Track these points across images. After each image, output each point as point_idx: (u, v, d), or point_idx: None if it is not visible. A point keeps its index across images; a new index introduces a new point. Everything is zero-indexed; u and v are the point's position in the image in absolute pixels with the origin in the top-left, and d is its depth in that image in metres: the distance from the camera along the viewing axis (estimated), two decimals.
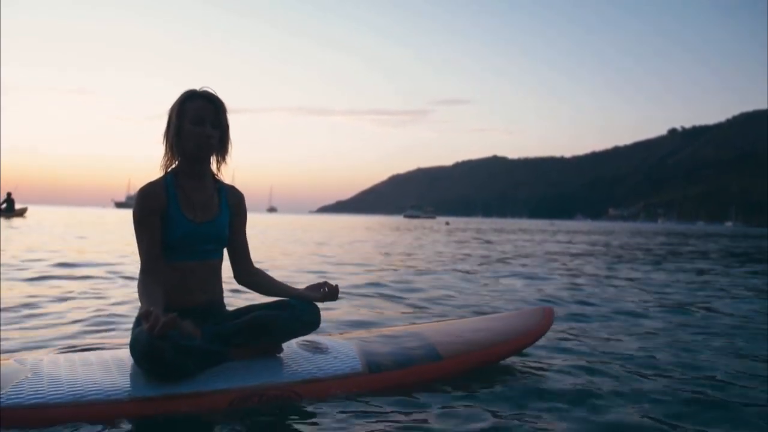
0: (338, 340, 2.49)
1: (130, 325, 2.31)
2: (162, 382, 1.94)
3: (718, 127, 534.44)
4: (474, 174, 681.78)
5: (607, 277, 7.51)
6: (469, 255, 11.27)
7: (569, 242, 18.97)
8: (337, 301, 2.84)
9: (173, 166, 2.24)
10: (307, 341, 2.42)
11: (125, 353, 2.17)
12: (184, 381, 1.97)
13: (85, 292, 4.91)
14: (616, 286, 6.39)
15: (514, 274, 7.58)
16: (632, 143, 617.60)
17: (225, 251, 2.36)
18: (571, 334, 3.58)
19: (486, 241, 17.72)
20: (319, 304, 2.31)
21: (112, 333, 3.39)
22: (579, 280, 6.94)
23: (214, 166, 2.29)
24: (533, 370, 2.67)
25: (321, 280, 2.38)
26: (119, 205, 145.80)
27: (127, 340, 2.19)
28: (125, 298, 4.61)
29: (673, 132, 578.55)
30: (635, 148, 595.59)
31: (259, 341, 2.20)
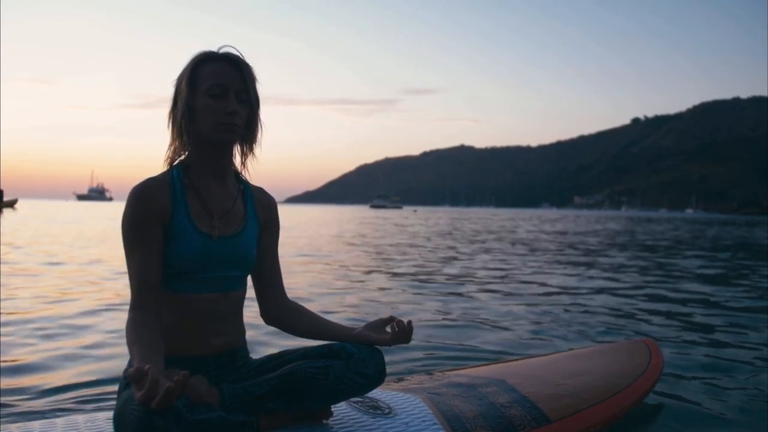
0: (399, 394, 1.83)
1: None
2: None
3: (679, 116, 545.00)
4: (441, 163, 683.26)
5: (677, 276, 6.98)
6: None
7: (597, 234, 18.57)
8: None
9: (181, 157, 1.58)
10: (360, 398, 1.75)
11: (107, 423, 1.49)
12: None
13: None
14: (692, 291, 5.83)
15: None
16: (597, 132, 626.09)
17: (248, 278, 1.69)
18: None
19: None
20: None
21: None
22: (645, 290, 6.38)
23: (237, 160, 1.63)
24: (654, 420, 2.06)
25: (386, 316, 1.69)
26: (81, 197, 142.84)
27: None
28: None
29: (636, 121, 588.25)
30: (600, 137, 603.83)
31: (300, 405, 1.52)
